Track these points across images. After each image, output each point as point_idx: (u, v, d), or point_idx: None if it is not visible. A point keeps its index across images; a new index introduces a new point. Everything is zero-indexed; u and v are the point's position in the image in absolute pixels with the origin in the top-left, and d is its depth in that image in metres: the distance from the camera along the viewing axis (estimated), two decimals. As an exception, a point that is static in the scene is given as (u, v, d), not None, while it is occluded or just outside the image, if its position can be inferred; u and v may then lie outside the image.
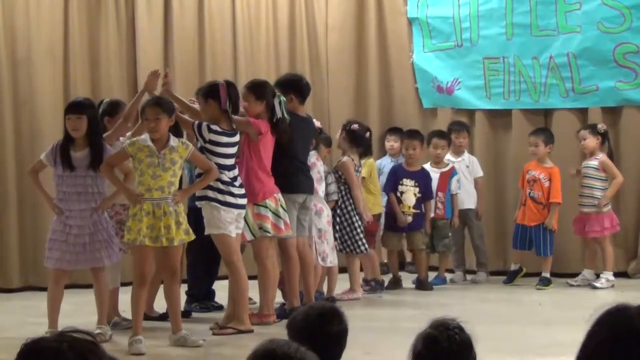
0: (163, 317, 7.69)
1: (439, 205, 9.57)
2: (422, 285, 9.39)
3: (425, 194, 9.37)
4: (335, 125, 9.94)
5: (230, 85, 7.35)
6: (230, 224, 7.11)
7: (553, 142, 9.56)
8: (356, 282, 8.88)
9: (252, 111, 7.50)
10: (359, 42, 11.03)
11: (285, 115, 7.57)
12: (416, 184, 9.35)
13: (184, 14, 10.38)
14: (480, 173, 9.88)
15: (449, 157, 9.90)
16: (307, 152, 8.04)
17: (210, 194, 7.07)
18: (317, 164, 8.34)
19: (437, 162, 9.67)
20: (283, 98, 7.61)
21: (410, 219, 9.32)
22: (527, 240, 9.44)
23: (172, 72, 9.89)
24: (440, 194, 9.61)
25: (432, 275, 9.66)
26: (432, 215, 9.50)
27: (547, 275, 9.39)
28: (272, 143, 7.59)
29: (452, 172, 9.69)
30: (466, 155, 9.95)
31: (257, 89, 7.60)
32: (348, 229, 8.75)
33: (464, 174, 9.86)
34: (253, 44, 10.67)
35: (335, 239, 8.69)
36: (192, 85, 9.72)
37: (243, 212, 7.26)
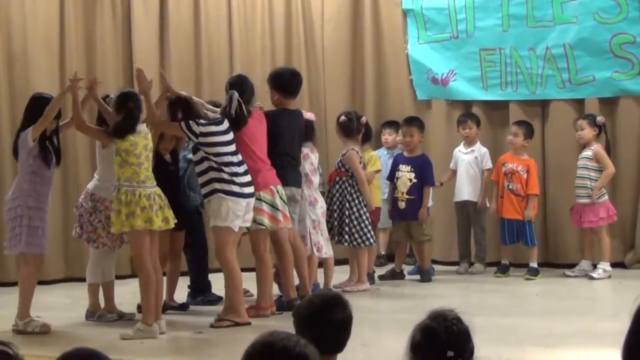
0: (183, 307, 7.96)
1: None
2: (423, 275, 9.40)
3: (422, 179, 9.34)
4: (331, 116, 9.94)
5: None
6: (237, 217, 7.12)
7: (531, 138, 9.58)
8: (364, 273, 8.87)
9: None
10: (355, 33, 11.03)
11: (238, 111, 7.30)
12: (412, 169, 9.35)
13: (180, 6, 10.36)
14: (489, 166, 9.77)
15: (460, 148, 9.91)
16: (295, 145, 8.02)
17: (217, 186, 7.10)
18: (310, 156, 8.32)
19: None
20: (236, 94, 7.37)
21: (403, 204, 9.32)
22: (515, 233, 9.47)
23: (168, 64, 9.96)
24: None
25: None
26: (430, 203, 9.51)
27: (535, 265, 9.41)
28: (260, 134, 7.60)
29: None
30: (477, 146, 9.87)
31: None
32: (356, 222, 8.72)
33: (472, 165, 9.81)
34: (249, 36, 10.66)
35: (345, 232, 8.70)
36: (187, 77, 9.73)
37: (252, 200, 7.27)
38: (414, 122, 9.66)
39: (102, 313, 7.57)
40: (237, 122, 7.33)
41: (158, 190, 6.95)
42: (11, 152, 9.42)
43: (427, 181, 9.38)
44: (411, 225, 9.36)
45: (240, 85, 7.50)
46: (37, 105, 7.16)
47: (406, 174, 9.35)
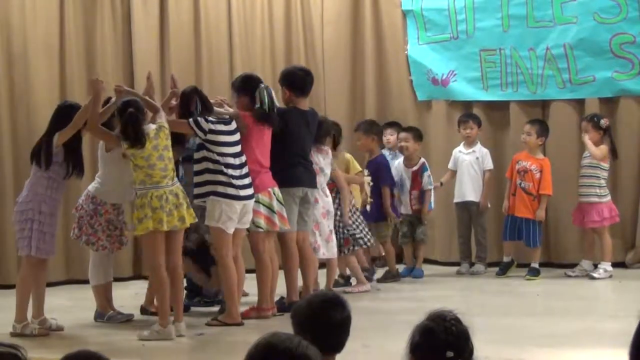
0: (184, 308, 7.88)
1: (414, 202, 9.63)
2: (387, 275, 9.44)
3: (375, 182, 9.36)
4: (332, 118, 9.91)
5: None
6: (229, 219, 7.11)
7: (546, 136, 9.56)
8: (361, 274, 8.86)
9: (238, 106, 7.58)
10: (355, 35, 11.03)
11: (271, 104, 7.42)
12: (368, 173, 9.41)
13: (180, 8, 10.37)
14: (490, 166, 9.80)
15: (460, 148, 9.91)
16: (306, 145, 7.96)
17: (211, 188, 7.11)
18: (314, 156, 8.28)
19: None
20: (268, 88, 7.49)
21: (369, 207, 9.34)
22: (517, 230, 9.45)
23: (168, 65, 9.99)
24: (414, 192, 9.64)
25: (429, 267, 9.68)
26: (432, 207, 9.55)
27: (536, 265, 9.41)
28: (266, 136, 7.57)
29: (422, 168, 9.67)
30: (478, 147, 9.88)
31: (235, 83, 7.72)
32: (358, 221, 8.77)
33: (473, 165, 9.82)
34: (249, 37, 10.66)
35: (352, 237, 8.70)
36: (187, 79, 9.72)
37: (250, 203, 7.26)
38: (360, 126, 9.71)
39: (113, 314, 7.57)
40: (270, 118, 7.43)
41: (176, 188, 6.86)
42: (12, 155, 9.58)
43: (384, 181, 9.37)
44: (373, 226, 9.31)
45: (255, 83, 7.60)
46: (66, 112, 7.14)
47: (367, 179, 9.40)
